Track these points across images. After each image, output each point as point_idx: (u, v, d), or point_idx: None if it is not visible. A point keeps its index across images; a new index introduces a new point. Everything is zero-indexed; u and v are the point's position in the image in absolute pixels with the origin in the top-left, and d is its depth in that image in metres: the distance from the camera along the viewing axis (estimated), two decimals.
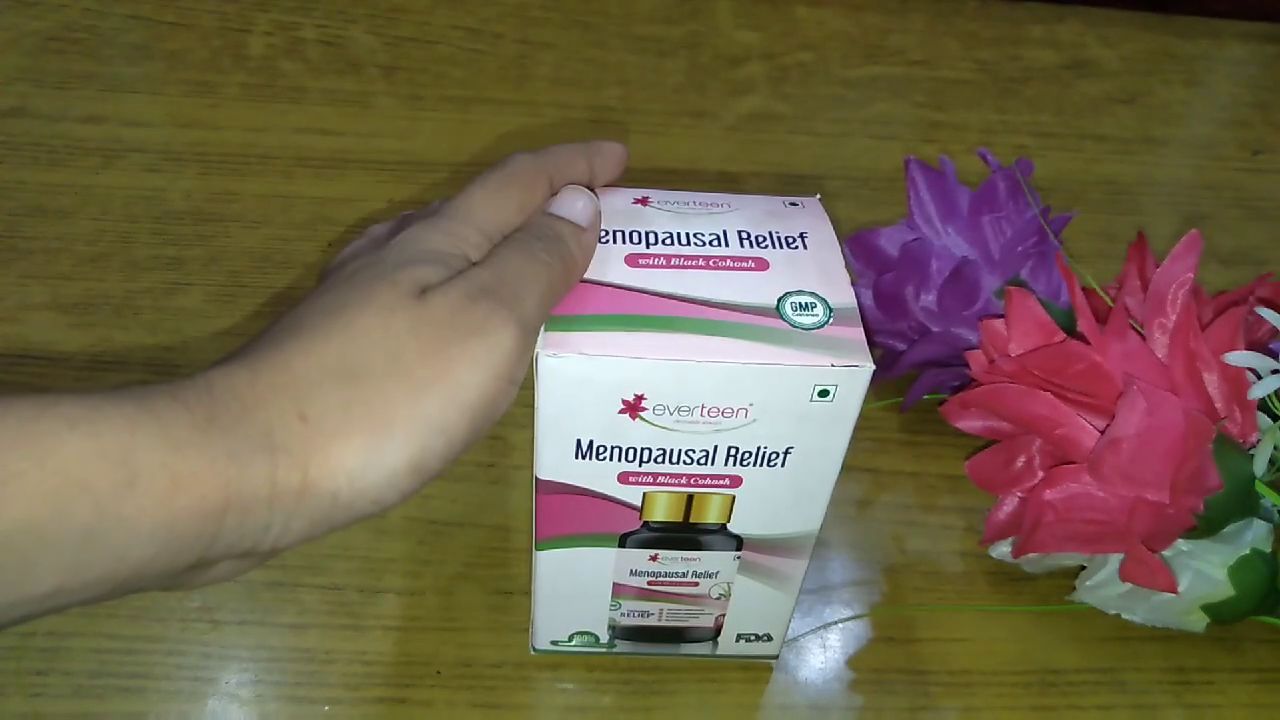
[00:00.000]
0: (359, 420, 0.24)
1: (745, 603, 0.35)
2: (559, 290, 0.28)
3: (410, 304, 0.26)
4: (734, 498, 0.31)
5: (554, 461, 0.30)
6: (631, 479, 0.31)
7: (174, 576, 0.24)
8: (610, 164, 0.33)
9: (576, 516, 0.32)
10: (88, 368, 0.47)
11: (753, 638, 0.37)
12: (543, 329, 0.28)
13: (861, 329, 0.29)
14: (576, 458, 0.30)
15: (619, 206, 0.32)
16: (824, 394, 0.28)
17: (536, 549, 0.33)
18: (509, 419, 0.47)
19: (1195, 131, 0.72)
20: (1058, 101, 0.72)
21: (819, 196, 0.34)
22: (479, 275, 0.27)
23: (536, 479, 0.31)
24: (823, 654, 0.39)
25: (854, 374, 0.28)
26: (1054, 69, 0.75)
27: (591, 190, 0.31)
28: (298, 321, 0.26)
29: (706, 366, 0.28)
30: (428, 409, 0.25)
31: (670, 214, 0.32)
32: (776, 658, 0.38)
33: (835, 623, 0.40)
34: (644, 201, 0.33)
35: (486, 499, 0.43)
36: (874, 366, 0.28)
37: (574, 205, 0.30)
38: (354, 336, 0.25)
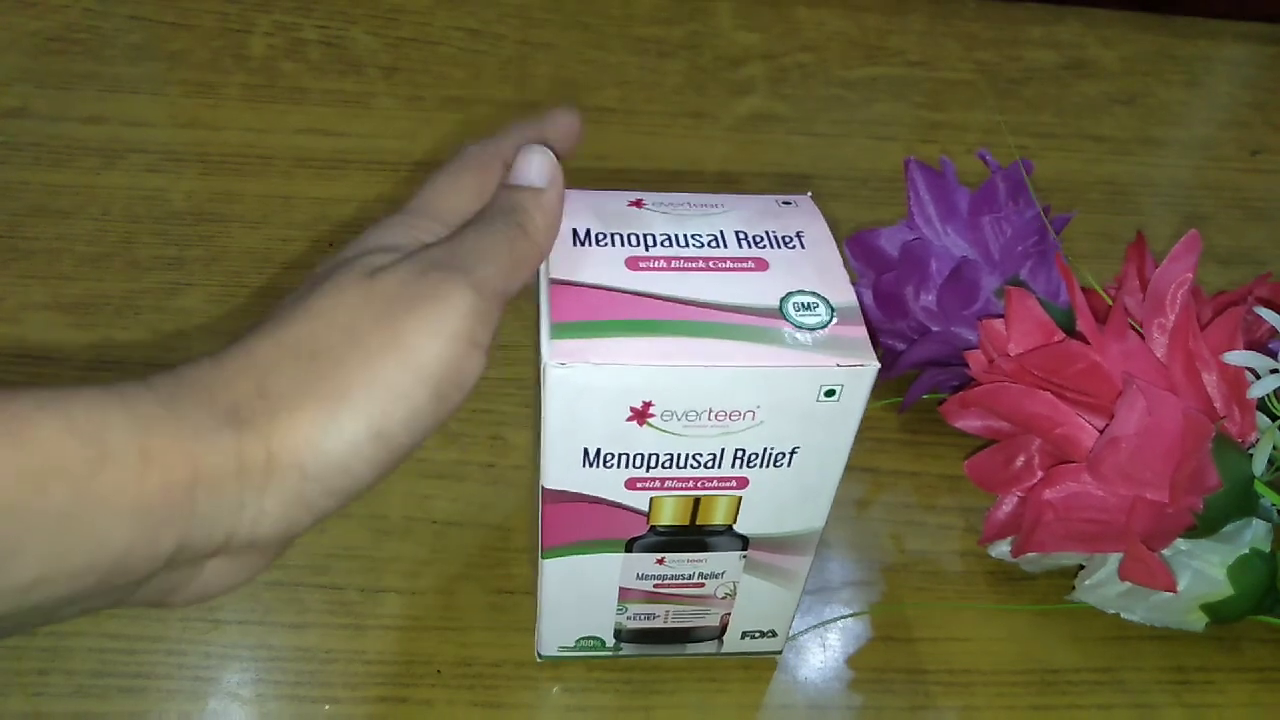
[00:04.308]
0: (315, 391, 0.25)
1: (750, 601, 0.35)
2: (526, 258, 0.28)
3: (359, 281, 0.26)
4: (740, 499, 0.31)
5: (561, 471, 0.30)
6: (639, 485, 0.31)
7: (161, 576, 0.24)
8: (564, 133, 0.32)
9: (583, 524, 0.32)
10: (88, 368, 0.47)
11: (757, 634, 0.37)
12: (548, 337, 0.28)
13: (864, 327, 0.29)
14: (584, 466, 0.30)
15: (614, 209, 0.32)
16: (830, 394, 0.29)
17: (543, 558, 0.33)
18: (508, 419, 0.47)
19: (1194, 132, 0.72)
20: (1057, 102, 0.72)
21: (810, 194, 0.34)
22: (430, 252, 0.27)
23: (543, 489, 0.31)
24: (822, 653, 0.39)
25: (860, 373, 0.28)
26: (1054, 69, 0.75)
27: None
28: (264, 317, 0.26)
29: (714, 371, 0.28)
30: (382, 375, 0.25)
31: (666, 216, 0.32)
32: (780, 653, 0.38)
33: (835, 620, 0.40)
34: (638, 204, 0.33)
35: (487, 499, 0.43)
36: (879, 365, 0.28)
37: (529, 169, 0.30)
38: (310, 318, 0.26)
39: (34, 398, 0.22)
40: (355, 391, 0.25)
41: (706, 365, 0.28)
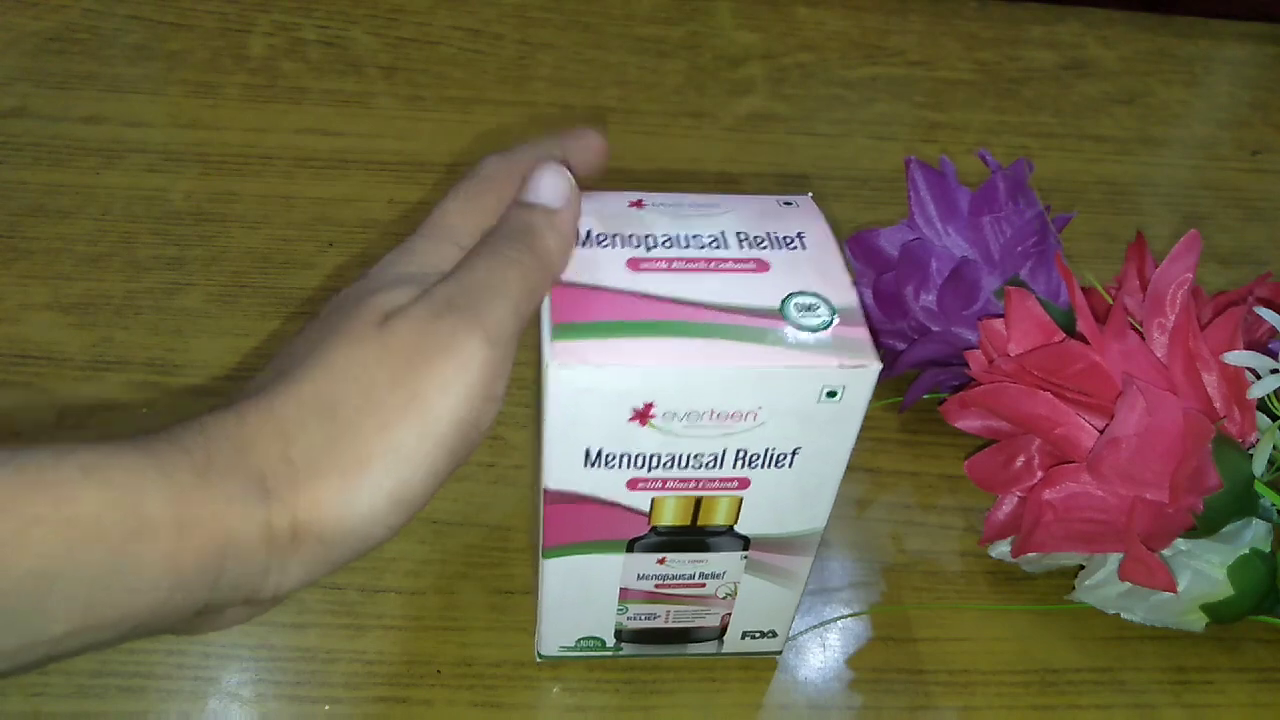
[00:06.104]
0: (337, 460, 0.24)
1: (751, 601, 0.35)
2: (538, 286, 0.28)
3: (375, 332, 0.25)
4: (742, 499, 0.31)
5: (562, 471, 0.30)
6: (640, 485, 0.31)
7: (185, 621, 0.24)
8: (588, 153, 0.31)
9: (584, 524, 0.32)
10: (88, 368, 0.47)
11: (758, 634, 0.37)
12: (550, 338, 0.28)
13: (865, 328, 0.29)
14: (585, 467, 0.30)
15: (614, 210, 0.32)
16: (832, 395, 0.29)
17: (544, 557, 0.33)
18: (509, 419, 0.47)
19: (1194, 132, 0.72)
20: (1057, 102, 0.72)
21: (811, 195, 0.34)
22: (443, 289, 0.26)
23: (545, 489, 0.30)
24: (822, 653, 0.39)
25: (861, 374, 0.28)
26: (1054, 69, 0.75)
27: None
28: (279, 363, 0.26)
29: (715, 372, 0.28)
30: (401, 442, 0.25)
31: (667, 216, 0.32)
32: (780, 653, 0.38)
33: (835, 620, 0.40)
34: (639, 204, 0.32)
35: (487, 499, 0.43)
36: (880, 365, 0.28)
37: (543, 187, 0.29)
38: (327, 372, 0.25)
39: (78, 464, 0.22)
40: (374, 460, 0.24)
41: (708, 366, 0.28)
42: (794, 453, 0.30)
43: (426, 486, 0.25)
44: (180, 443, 0.24)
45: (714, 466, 0.30)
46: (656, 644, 0.37)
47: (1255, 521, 0.38)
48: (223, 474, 0.23)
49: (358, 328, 0.25)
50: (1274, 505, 0.38)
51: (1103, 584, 0.39)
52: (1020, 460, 0.38)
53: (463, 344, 0.25)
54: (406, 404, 0.25)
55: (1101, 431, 0.35)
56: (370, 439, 0.24)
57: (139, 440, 0.23)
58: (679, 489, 0.31)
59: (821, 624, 0.40)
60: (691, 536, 0.33)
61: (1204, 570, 0.37)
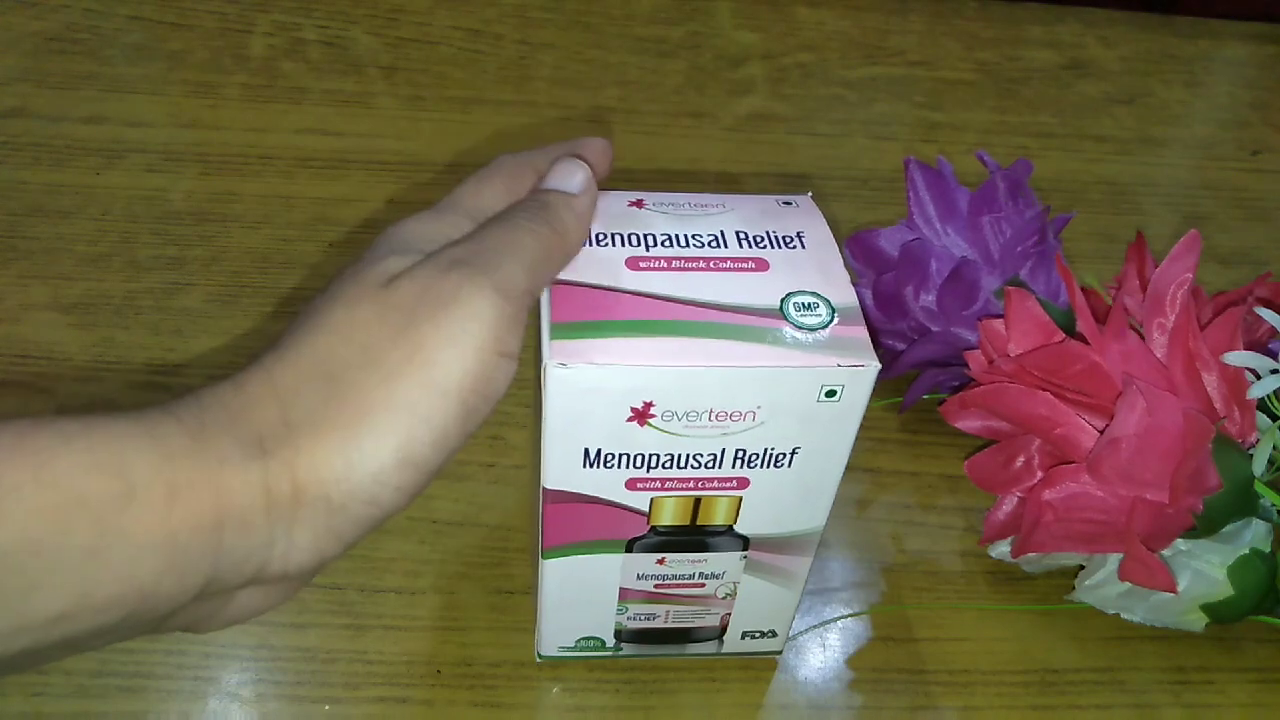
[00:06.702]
0: (336, 417, 0.23)
1: (751, 601, 0.35)
2: (552, 257, 0.27)
3: (376, 292, 0.25)
4: (741, 499, 0.31)
5: (562, 471, 0.30)
6: (639, 485, 0.31)
7: (192, 607, 0.23)
8: (595, 159, 0.32)
9: (584, 524, 0.32)
10: (88, 368, 0.47)
11: (757, 634, 0.37)
12: (549, 338, 0.28)
13: (864, 327, 0.29)
14: (585, 467, 0.30)
15: (615, 210, 0.32)
16: (831, 394, 0.29)
17: (543, 558, 0.33)
18: (508, 419, 0.47)
19: (1195, 132, 0.72)
20: (1057, 102, 0.72)
21: (811, 194, 0.34)
22: (452, 250, 0.26)
23: (544, 489, 0.30)
24: (822, 653, 0.39)
25: (860, 373, 0.28)
26: (1053, 69, 0.75)
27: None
28: (280, 336, 0.26)
29: (715, 372, 0.28)
30: (405, 395, 0.24)
31: (667, 216, 0.32)
32: (780, 653, 0.38)
33: (835, 620, 0.40)
34: (639, 204, 0.32)
35: (487, 499, 0.43)
36: (879, 365, 0.28)
37: (564, 175, 0.29)
38: (326, 335, 0.24)
39: (58, 431, 0.21)
40: (376, 417, 0.23)
41: (707, 365, 0.28)
42: (793, 452, 0.30)
43: (436, 447, 0.24)
44: (173, 412, 0.23)
45: (713, 466, 0.30)
46: (656, 644, 0.37)
47: (1255, 521, 0.38)
48: (216, 438, 0.22)
49: (358, 290, 0.25)
50: (1274, 505, 0.38)
51: (1103, 584, 0.39)
52: (1020, 460, 0.38)
53: (469, 296, 0.24)
54: (409, 358, 0.24)
55: (1101, 432, 0.35)
56: (372, 395, 0.23)
57: (126, 410, 0.22)
58: (678, 489, 0.31)
59: (821, 624, 0.40)
60: (691, 536, 0.33)
61: (1204, 570, 0.37)
